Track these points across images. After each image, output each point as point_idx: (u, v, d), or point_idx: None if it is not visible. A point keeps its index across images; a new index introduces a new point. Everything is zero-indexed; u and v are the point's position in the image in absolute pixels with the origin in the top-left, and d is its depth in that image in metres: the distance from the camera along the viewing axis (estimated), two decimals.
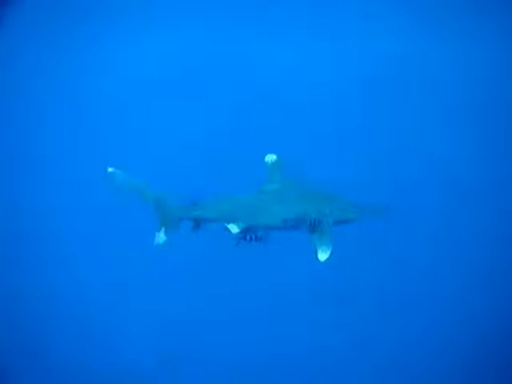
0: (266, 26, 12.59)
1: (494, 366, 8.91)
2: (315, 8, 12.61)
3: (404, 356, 9.18)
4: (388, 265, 9.78)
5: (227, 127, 11.11)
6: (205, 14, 12.56)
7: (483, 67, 11.97)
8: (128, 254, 9.49)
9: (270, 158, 7.38)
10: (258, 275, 9.47)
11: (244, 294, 9.36)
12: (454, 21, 12.18)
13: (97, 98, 11.89)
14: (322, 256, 6.88)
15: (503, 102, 11.75)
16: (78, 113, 11.92)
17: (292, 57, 12.33)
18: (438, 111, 11.82)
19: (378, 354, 9.31)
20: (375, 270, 9.76)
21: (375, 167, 10.74)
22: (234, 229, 6.94)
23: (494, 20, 11.95)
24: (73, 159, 11.12)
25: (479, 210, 10.46)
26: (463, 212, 10.39)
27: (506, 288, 9.63)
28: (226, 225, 6.99)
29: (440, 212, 10.35)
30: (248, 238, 7.03)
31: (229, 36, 12.28)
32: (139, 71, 12.24)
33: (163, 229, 7.16)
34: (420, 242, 9.90)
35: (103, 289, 9.80)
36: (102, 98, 11.88)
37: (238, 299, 9.38)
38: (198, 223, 7.26)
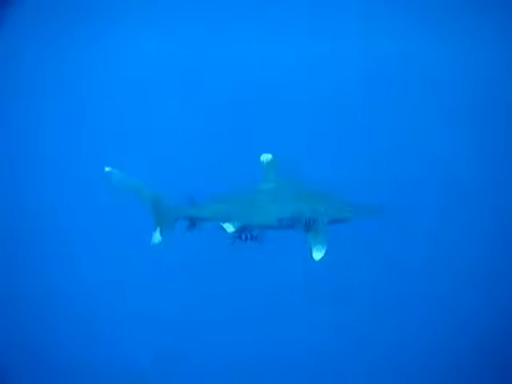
0: (265, 26, 12.60)
1: (490, 366, 8.88)
2: (315, 8, 12.61)
3: (399, 355, 9.14)
4: (385, 264, 9.77)
5: (225, 127, 11.14)
6: (205, 14, 12.58)
7: (483, 67, 11.97)
8: (125, 253, 9.50)
9: (266, 157, 7.38)
10: (254, 274, 9.47)
11: (239, 293, 9.36)
12: (454, 21, 12.18)
13: (97, 98, 11.92)
14: (317, 255, 6.86)
15: (503, 102, 11.74)
16: (78, 112, 11.96)
17: (292, 56, 12.34)
18: (438, 111, 11.82)
19: (372, 353, 9.29)
20: (372, 269, 9.75)
21: (375, 167, 10.74)
22: (229, 228, 6.92)
23: (494, 20, 11.94)
24: (72, 159, 11.14)
25: (479, 209, 10.44)
26: (462, 212, 10.37)
27: (505, 288, 9.59)
28: (221, 224, 6.97)
29: (439, 211, 10.34)
30: (243, 237, 7.01)
31: (228, 36, 12.32)
32: (139, 71, 12.29)
33: (159, 228, 7.15)
34: (418, 242, 9.88)
35: (101, 288, 9.79)
36: (101, 97, 11.91)
37: (234, 298, 9.38)
38: (193, 222, 7.24)
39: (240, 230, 7.04)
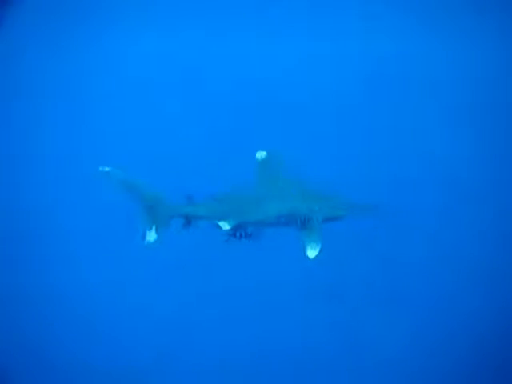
0: (265, 26, 12.60)
1: (488, 367, 8.91)
2: (315, 8, 12.61)
3: (394, 353, 9.17)
4: (380, 263, 9.78)
5: (224, 126, 11.14)
6: (205, 14, 12.58)
7: (483, 67, 11.96)
8: (123, 252, 9.49)
9: (260, 154, 7.41)
10: (249, 272, 9.48)
11: (235, 291, 9.37)
12: (454, 21, 12.18)
13: (97, 98, 11.91)
14: (311, 253, 6.88)
15: (503, 102, 11.74)
16: (78, 112, 11.94)
17: (292, 56, 12.33)
18: (438, 111, 11.81)
19: (367, 351, 9.30)
20: (367, 267, 9.76)
21: (375, 166, 10.74)
22: (225, 226, 6.94)
23: (494, 20, 11.94)
24: (72, 158, 11.13)
25: (479, 209, 10.45)
26: (462, 212, 10.38)
27: (504, 288, 9.61)
28: (217, 222, 6.98)
29: (439, 211, 10.34)
30: (238, 234, 7.04)
31: (228, 36, 12.31)
32: (139, 71, 12.27)
33: (154, 227, 7.15)
34: (416, 241, 9.89)
35: (99, 286, 9.80)
36: (101, 97, 11.90)
37: (229, 296, 9.40)
38: (189, 221, 7.25)
39: (235, 228, 7.06)
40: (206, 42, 12.29)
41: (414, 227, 9.91)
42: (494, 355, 9.10)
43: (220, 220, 7.02)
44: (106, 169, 7.09)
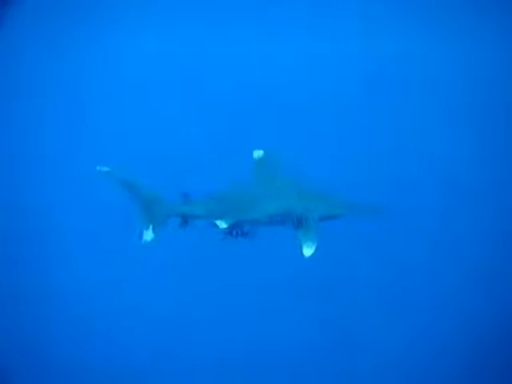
0: (266, 26, 12.60)
1: (485, 367, 8.90)
2: (315, 8, 12.61)
3: (389, 351, 9.17)
4: (378, 262, 9.78)
5: (224, 126, 11.14)
6: (205, 14, 12.58)
7: (483, 67, 11.94)
8: (121, 252, 9.50)
9: (258, 153, 7.42)
10: (245, 271, 9.48)
11: (231, 290, 9.39)
12: (454, 21, 12.17)
13: (96, 98, 11.92)
14: (307, 251, 6.89)
15: (503, 102, 11.72)
16: (78, 112, 11.95)
17: (292, 56, 12.33)
18: (438, 111, 11.80)
19: (362, 349, 9.31)
20: (365, 266, 9.75)
21: (375, 166, 10.72)
22: (222, 224, 6.95)
23: (494, 20, 11.93)
24: (72, 158, 11.14)
25: (479, 209, 10.43)
26: (462, 212, 10.36)
27: (505, 288, 9.59)
28: (214, 221, 6.98)
29: (439, 211, 10.33)
30: (234, 233, 7.05)
31: (228, 36, 12.31)
32: (138, 71, 12.28)
33: (151, 226, 7.14)
34: (415, 241, 9.88)
35: (97, 286, 9.82)
36: (101, 97, 11.91)
37: (225, 295, 9.41)
38: (186, 220, 7.25)
39: (231, 227, 7.07)
40: (205, 42, 12.30)
41: (413, 227, 9.89)
42: (494, 355, 9.09)
43: (217, 219, 7.02)
44: (104, 168, 7.09)
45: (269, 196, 7.16)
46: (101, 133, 11.20)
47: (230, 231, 7.04)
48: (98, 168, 7.05)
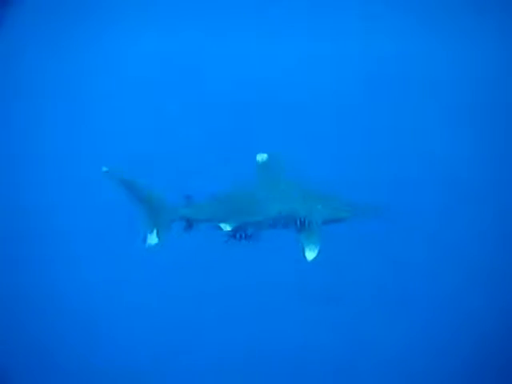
0: (266, 26, 12.61)
1: (486, 367, 8.92)
2: (315, 8, 12.62)
3: (391, 354, 9.18)
4: (380, 264, 9.77)
5: (224, 127, 11.13)
6: (205, 14, 12.59)
7: (483, 67, 11.97)
8: (123, 254, 9.49)
9: (261, 157, 7.41)
10: (247, 274, 9.45)
11: (234, 292, 9.35)
12: (454, 21, 12.18)
13: (96, 98, 11.92)
14: (310, 255, 6.84)
15: (503, 102, 11.74)
16: (78, 112, 11.95)
17: (292, 56, 12.34)
18: (438, 111, 11.81)
19: (367, 352, 9.31)
20: (367, 269, 9.75)
21: (375, 167, 10.72)
22: (225, 227, 6.92)
23: (494, 20, 11.95)
24: (72, 158, 11.13)
25: (479, 209, 10.43)
26: (463, 212, 10.36)
27: (506, 287, 9.60)
28: (217, 223, 6.96)
29: (439, 211, 10.33)
30: (238, 236, 7.02)
31: (228, 36, 12.31)
32: (139, 71, 12.28)
33: (155, 230, 7.10)
34: (416, 242, 9.86)
35: (98, 288, 9.80)
36: (101, 97, 11.91)
37: (228, 297, 9.38)
38: (190, 223, 7.22)
39: (235, 229, 7.04)
40: (205, 42, 12.30)
41: (413, 227, 9.89)
42: (495, 355, 9.10)
43: (221, 221, 6.99)
44: (107, 170, 7.05)
45: (272, 199, 7.14)
46: (101, 134, 11.18)
47: (233, 234, 7.01)
48: (103, 169, 6.99)
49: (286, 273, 9.29)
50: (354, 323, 9.48)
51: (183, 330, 9.62)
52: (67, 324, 9.66)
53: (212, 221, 7.08)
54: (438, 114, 11.74)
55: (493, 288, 9.66)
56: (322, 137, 11.16)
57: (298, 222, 6.98)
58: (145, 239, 7.10)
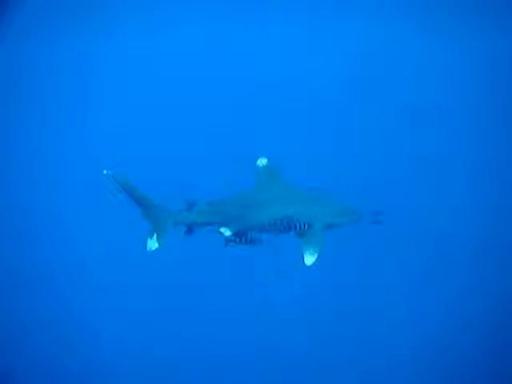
0: (265, 26, 12.61)
1: (487, 367, 8.96)
2: (315, 8, 12.61)
3: (395, 361, 9.21)
4: (383, 265, 9.80)
5: (225, 128, 11.12)
6: (205, 14, 12.57)
7: (483, 67, 11.96)
8: (124, 256, 9.51)
9: (261, 161, 7.42)
10: (249, 278, 9.49)
11: (234, 298, 9.39)
12: (454, 21, 12.17)
13: (97, 99, 11.93)
14: (309, 260, 6.85)
15: (503, 102, 11.74)
16: (79, 113, 11.96)
17: (291, 56, 12.34)
18: (438, 111, 11.81)
19: (365, 355, 9.36)
20: (367, 271, 9.78)
21: (374, 168, 10.74)
22: (226, 232, 6.94)
23: (493, 20, 11.94)
24: (72, 158, 11.16)
25: (479, 209, 10.45)
26: (462, 212, 10.38)
27: (506, 287, 9.62)
28: (218, 228, 6.98)
29: (439, 212, 10.33)
30: (238, 240, 7.04)
31: (228, 35, 12.32)
32: (139, 71, 12.28)
33: (156, 235, 7.12)
34: (416, 243, 9.89)
35: (100, 288, 9.83)
36: (101, 97, 11.93)
37: (230, 299, 9.42)
38: (190, 228, 7.24)
39: (235, 234, 7.07)
40: (205, 42, 12.29)
41: (413, 229, 9.91)
42: (496, 355, 9.15)
43: (221, 226, 7.02)
44: (108, 173, 7.07)
45: (273, 204, 7.16)
46: (101, 133, 11.20)
47: (234, 238, 7.04)
48: (104, 172, 7.00)
49: (289, 277, 9.30)
50: (355, 321, 9.52)
51: (186, 333, 9.66)
52: (70, 325, 9.72)
53: (212, 225, 7.11)
54: (438, 114, 11.74)
55: (493, 288, 9.69)
56: (322, 137, 11.16)
57: (298, 227, 6.99)
58: (145, 244, 7.13)
